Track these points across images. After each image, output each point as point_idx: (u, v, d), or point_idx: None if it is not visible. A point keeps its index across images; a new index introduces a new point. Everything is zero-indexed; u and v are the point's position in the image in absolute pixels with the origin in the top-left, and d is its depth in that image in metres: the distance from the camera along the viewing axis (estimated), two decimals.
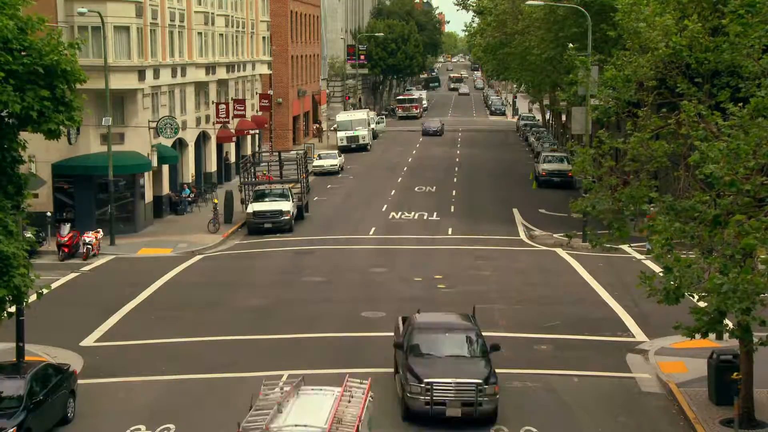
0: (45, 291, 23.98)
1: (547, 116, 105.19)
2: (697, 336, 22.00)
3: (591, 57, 39.91)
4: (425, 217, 55.14)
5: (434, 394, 22.86)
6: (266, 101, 76.85)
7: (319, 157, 76.77)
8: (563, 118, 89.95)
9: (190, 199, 56.64)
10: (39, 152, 41.98)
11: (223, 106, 63.58)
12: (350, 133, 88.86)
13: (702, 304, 21.57)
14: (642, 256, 39.07)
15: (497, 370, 24.20)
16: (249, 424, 17.74)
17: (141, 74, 49.12)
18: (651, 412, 24.60)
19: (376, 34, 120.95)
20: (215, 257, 45.36)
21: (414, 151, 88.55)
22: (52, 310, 34.06)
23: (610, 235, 26.22)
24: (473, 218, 54.73)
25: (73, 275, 40.42)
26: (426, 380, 22.96)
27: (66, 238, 43.26)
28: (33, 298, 24.32)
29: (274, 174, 59.57)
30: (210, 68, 62.06)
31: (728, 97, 23.90)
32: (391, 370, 27.21)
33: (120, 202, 48.92)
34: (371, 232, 50.50)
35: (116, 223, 47.20)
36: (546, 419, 23.94)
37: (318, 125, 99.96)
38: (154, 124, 51.29)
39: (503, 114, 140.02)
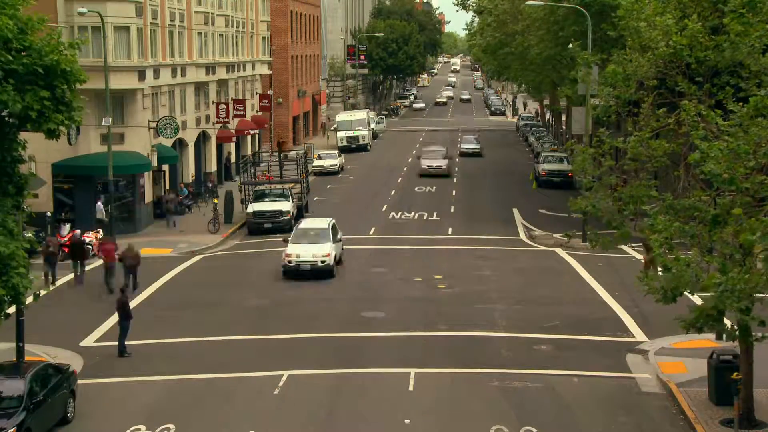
0: (43, 292, 23.89)
1: (547, 116, 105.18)
2: (692, 331, 21.99)
3: (592, 56, 39.84)
4: (425, 217, 55.13)
5: None
6: (266, 101, 76.85)
7: (319, 157, 76.76)
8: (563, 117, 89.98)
9: (183, 200, 56.27)
10: (39, 152, 41.88)
11: (223, 106, 63.56)
12: (350, 133, 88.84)
13: (701, 302, 21.57)
14: (642, 256, 39.05)
15: (497, 371, 24.22)
16: None
17: (141, 74, 49.12)
18: (651, 412, 24.58)
19: (377, 34, 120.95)
20: (215, 257, 45.36)
21: (414, 151, 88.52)
22: (52, 310, 34.10)
23: (610, 236, 26.21)
24: (473, 218, 54.71)
25: (73, 275, 40.38)
26: None
27: (66, 238, 43.24)
28: (30, 300, 24.27)
29: (274, 174, 59.56)
30: (210, 68, 62.06)
31: (729, 96, 23.87)
32: (391, 370, 27.50)
33: (120, 202, 48.90)
34: (371, 232, 50.48)
35: (116, 223, 47.18)
36: (546, 419, 23.93)
37: (324, 123, 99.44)
38: (154, 124, 51.28)
39: (503, 114, 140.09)
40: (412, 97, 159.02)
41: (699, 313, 21.23)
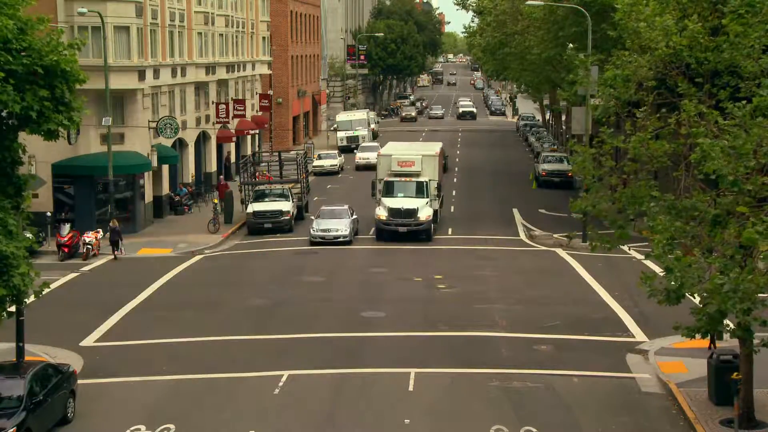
0: (45, 291, 23.88)
1: (547, 116, 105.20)
2: (698, 336, 22.00)
3: (591, 57, 39.84)
4: None
5: None
6: (266, 101, 76.84)
7: (319, 157, 76.76)
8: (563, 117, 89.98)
9: (183, 200, 56.20)
10: (39, 152, 42.00)
11: (223, 106, 63.55)
12: (350, 133, 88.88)
13: (702, 304, 21.54)
14: (642, 256, 39.08)
15: (497, 371, 24.41)
16: None
17: (141, 74, 49.11)
18: (651, 412, 24.59)
19: (376, 34, 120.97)
20: (215, 257, 45.35)
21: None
22: (52, 310, 34.08)
23: (609, 236, 26.18)
24: (473, 218, 54.70)
25: (73, 275, 40.42)
26: None
27: (66, 238, 43.24)
28: (32, 298, 24.31)
29: (274, 174, 59.53)
30: (210, 68, 62.05)
31: (728, 97, 23.87)
32: (391, 370, 27.44)
33: (120, 203, 48.89)
34: (371, 232, 50.44)
35: None
36: (546, 419, 23.93)
37: (309, 137, 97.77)
38: (154, 124, 51.28)
39: (503, 114, 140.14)
40: (412, 101, 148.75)
41: (701, 318, 21.16)
